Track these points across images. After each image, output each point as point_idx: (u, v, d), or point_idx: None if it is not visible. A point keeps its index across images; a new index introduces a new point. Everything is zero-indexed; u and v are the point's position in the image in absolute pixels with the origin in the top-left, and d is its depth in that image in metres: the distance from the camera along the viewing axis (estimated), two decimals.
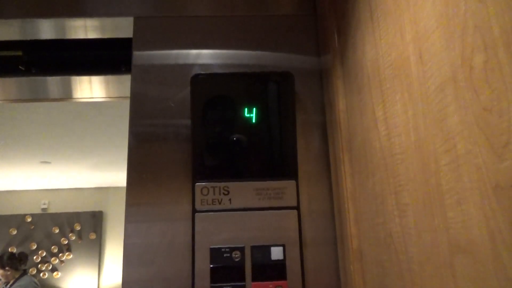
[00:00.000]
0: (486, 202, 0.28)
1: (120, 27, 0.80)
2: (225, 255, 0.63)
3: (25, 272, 2.92)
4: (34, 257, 3.75)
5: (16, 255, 2.96)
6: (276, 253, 0.64)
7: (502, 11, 0.26)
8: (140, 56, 0.75)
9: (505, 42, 0.26)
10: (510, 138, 0.25)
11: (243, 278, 0.62)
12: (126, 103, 0.75)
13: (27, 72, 0.88)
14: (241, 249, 0.63)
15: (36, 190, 4.00)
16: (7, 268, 2.79)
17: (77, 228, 3.90)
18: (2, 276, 2.78)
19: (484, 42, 0.28)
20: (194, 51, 0.76)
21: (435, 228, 0.35)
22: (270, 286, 0.62)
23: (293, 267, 0.63)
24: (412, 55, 0.39)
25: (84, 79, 0.90)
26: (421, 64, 0.37)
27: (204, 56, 0.76)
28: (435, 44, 0.35)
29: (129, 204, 0.68)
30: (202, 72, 0.72)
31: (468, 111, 0.30)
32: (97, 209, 3.98)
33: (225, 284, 0.62)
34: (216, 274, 0.62)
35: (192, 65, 0.75)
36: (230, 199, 0.65)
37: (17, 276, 2.82)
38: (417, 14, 0.38)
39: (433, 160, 0.35)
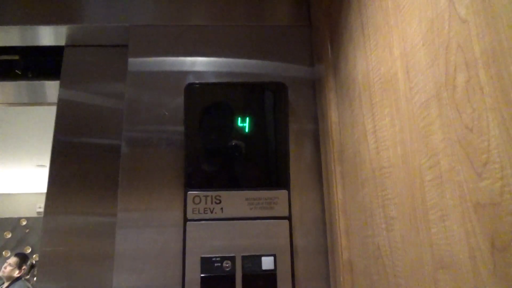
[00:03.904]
0: (467, 219, 0.28)
1: (115, 35, 0.80)
2: (215, 264, 0.63)
3: (20, 277, 2.89)
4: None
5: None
6: (267, 263, 0.64)
7: (482, 32, 0.27)
8: (135, 62, 0.76)
9: (485, 62, 0.26)
10: (489, 157, 0.26)
11: None
12: None
13: (23, 76, 0.89)
14: (232, 259, 0.63)
15: (31, 194, 3.98)
16: (23, 267, 2.78)
17: None
18: (8, 271, 2.74)
19: (466, 62, 0.28)
20: (189, 59, 0.76)
21: (420, 243, 0.35)
22: None
23: (284, 277, 0.63)
24: (400, 71, 0.40)
25: None
26: (408, 80, 0.38)
27: (199, 64, 0.76)
28: (421, 61, 0.35)
29: (121, 210, 0.68)
30: (196, 82, 0.73)
31: (451, 129, 0.30)
32: None
33: None
34: (206, 284, 0.62)
35: (186, 73, 0.75)
36: (222, 208, 0.65)
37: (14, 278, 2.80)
38: (405, 30, 0.39)
39: (418, 176, 0.36)
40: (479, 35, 0.27)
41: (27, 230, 3.83)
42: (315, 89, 0.75)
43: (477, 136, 0.27)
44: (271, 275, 0.63)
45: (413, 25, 0.37)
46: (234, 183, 0.67)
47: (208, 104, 0.70)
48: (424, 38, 0.35)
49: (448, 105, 0.31)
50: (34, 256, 3.77)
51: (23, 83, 0.91)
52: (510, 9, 0.24)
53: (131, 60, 0.76)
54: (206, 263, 0.63)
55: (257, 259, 0.64)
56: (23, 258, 2.83)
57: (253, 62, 0.77)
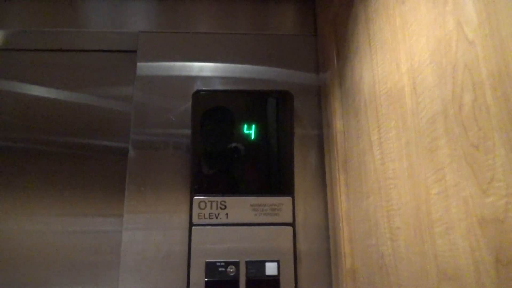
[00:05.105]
0: (472, 233, 0.29)
1: (124, 40, 0.82)
2: (220, 269, 0.64)
3: None
4: None
5: None
6: (271, 268, 0.65)
7: (489, 55, 0.28)
8: (143, 67, 0.77)
9: (492, 84, 0.27)
10: (494, 175, 0.27)
11: None
12: None
13: None
14: (236, 264, 0.64)
15: None
16: None
17: None
18: None
19: (473, 82, 0.30)
20: (196, 65, 0.78)
21: (424, 254, 0.37)
22: None
23: (287, 283, 0.64)
24: (407, 86, 0.41)
25: None
26: (415, 95, 0.39)
27: (206, 70, 0.78)
28: (428, 78, 0.36)
29: (128, 212, 0.69)
30: (204, 89, 0.74)
31: (457, 145, 0.31)
32: None
33: None
34: None
35: (194, 78, 0.77)
36: (227, 214, 0.67)
37: None
38: (412, 47, 0.40)
39: (424, 188, 0.37)
40: (486, 57, 0.28)
41: None
42: (320, 96, 0.77)
43: (483, 154, 0.28)
44: (274, 280, 0.64)
45: (421, 42, 0.38)
46: (239, 189, 0.68)
47: (215, 111, 0.72)
48: (431, 56, 0.36)
49: (454, 122, 0.32)
50: None
51: None
52: None
53: (139, 65, 0.77)
54: (210, 267, 0.64)
55: (261, 264, 0.65)
56: None
57: (259, 68, 0.79)
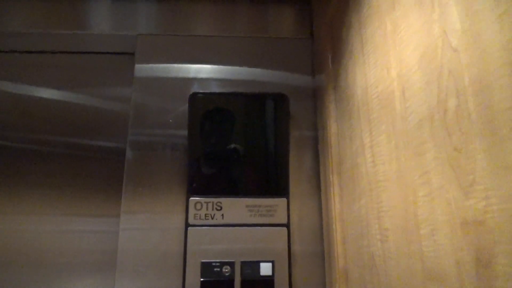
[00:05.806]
0: (454, 235, 0.30)
1: (123, 43, 0.83)
2: (215, 269, 0.65)
3: None
4: None
5: None
6: (265, 269, 0.66)
7: (472, 63, 0.29)
8: (141, 69, 0.78)
9: (474, 91, 0.28)
10: (475, 178, 0.28)
11: None
12: None
13: None
14: (231, 264, 0.65)
15: None
16: None
17: None
18: None
19: (456, 88, 0.30)
20: (194, 67, 0.79)
21: (411, 255, 0.37)
22: None
23: (281, 283, 0.65)
24: (397, 91, 0.42)
25: None
26: (404, 100, 0.40)
27: (204, 72, 0.79)
28: (416, 83, 0.37)
29: (125, 212, 0.70)
30: (200, 91, 0.75)
31: (441, 149, 0.32)
32: None
33: None
34: None
35: (192, 80, 0.78)
36: (222, 215, 0.67)
37: None
38: (402, 53, 0.41)
39: (412, 191, 0.38)
40: (469, 65, 0.29)
41: None
42: (315, 98, 0.78)
43: (465, 158, 0.29)
44: (269, 281, 0.65)
45: (410, 48, 0.39)
46: (235, 191, 0.69)
47: (212, 113, 0.73)
48: (419, 62, 0.37)
49: (439, 126, 0.33)
50: None
51: None
52: (498, 43, 0.26)
53: (137, 66, 0.78)
54: (206, 267, 0.65)
55: (255, 265, 0.66)
56: None
57: (256, 71, 0.80)
